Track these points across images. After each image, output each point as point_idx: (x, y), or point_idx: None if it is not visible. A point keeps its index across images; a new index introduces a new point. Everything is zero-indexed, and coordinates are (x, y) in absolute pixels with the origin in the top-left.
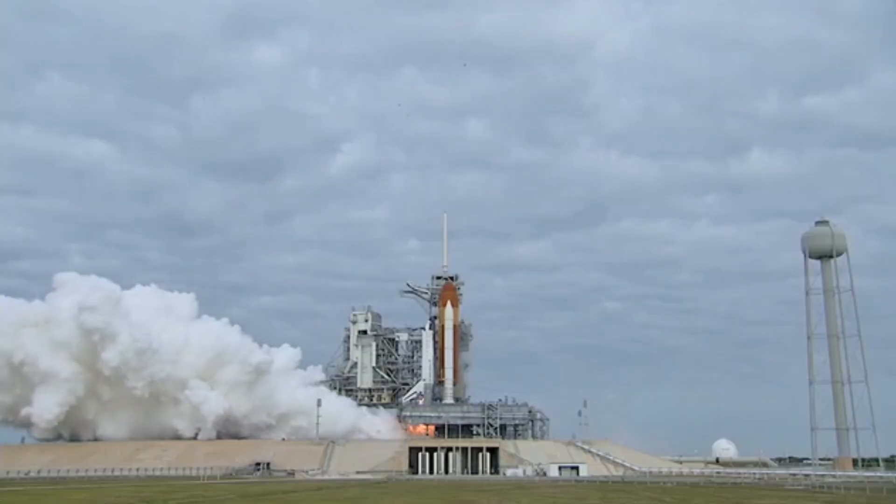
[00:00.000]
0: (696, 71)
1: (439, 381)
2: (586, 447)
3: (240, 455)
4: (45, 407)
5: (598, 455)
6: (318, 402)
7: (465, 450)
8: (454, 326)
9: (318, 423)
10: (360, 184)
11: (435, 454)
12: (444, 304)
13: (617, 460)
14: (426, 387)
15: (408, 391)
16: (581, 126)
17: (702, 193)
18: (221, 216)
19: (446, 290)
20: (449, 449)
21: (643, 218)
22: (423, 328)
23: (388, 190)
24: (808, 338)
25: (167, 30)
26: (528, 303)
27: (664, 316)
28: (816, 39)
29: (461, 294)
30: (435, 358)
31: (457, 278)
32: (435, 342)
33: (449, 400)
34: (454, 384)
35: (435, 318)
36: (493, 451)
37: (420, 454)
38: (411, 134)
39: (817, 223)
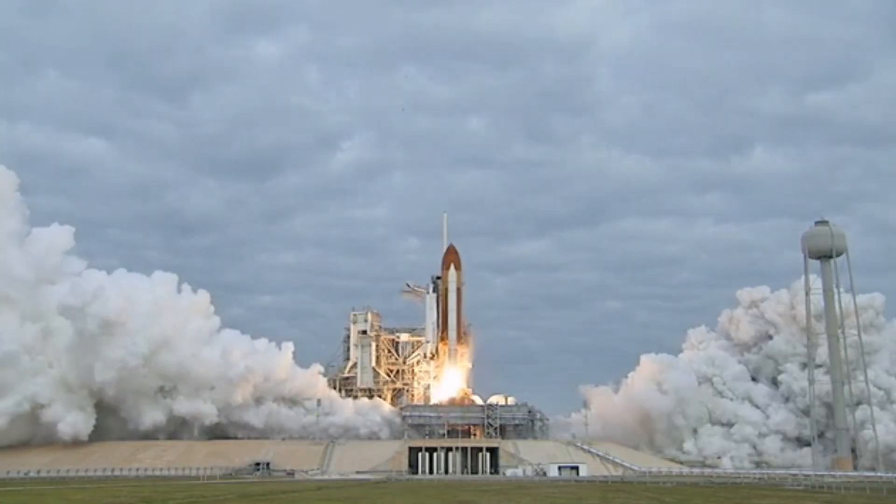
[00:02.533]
0: (698, 67)
1: (442, 339)
2: (586, 447)
3: (239, 455)
4: (70, 420)
5: (598, 455)
6: (318, 402)
7: (464, 450)
8: (457, 289)
9: (318, 422)
10: (360, 182)
11: (435, 454)
12: (448, 268)
13: (616, 460)
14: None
15: (413, 354)
16: (582, 123)
17: (704, 192)
18: (221, 214)
19: (449, 253)
20: (449, 449)
21: (644, 216)
22: (424, 328)
23: (388, 188)
24: (808, 338)
25: (165, 25)
26: (528, 302)
27: (665, 315)
28: (820, 35)
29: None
30: (438, 320)
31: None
32: (438, 305)
33: (451, 362)
34: (458, 343)
35: (438, 278)
36: (493, 451)
37: (420, 454)
38: (411, 131)
39: (817, 223)
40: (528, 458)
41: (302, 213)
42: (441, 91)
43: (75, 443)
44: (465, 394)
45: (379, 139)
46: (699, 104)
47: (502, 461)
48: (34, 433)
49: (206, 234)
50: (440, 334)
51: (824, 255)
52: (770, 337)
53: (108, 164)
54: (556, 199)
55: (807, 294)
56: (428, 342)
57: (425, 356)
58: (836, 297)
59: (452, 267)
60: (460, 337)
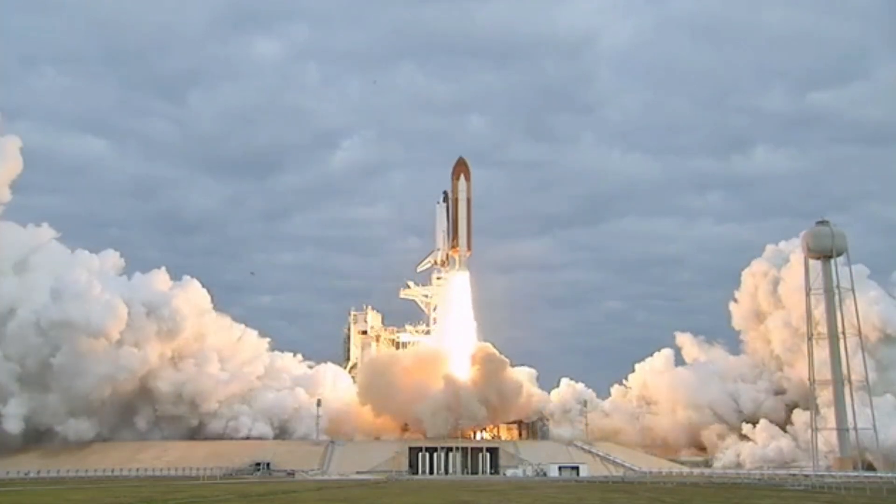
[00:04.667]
0: (699, 66)
1: (453, 247)
2: (586, 447)
3: (239, 455)
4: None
5: (599, 455)
6: (318, 403)
7: (464, 450)
8: (467, 199)
9: (318, 424)
10: (360, 181)
11: (435, 454)
12: (458, 178)
13: (617, 460)
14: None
15: (423, 261)
16: (583, 122)
17: (705, 191)
18: (220, 214)
19: (458, 164)
20: (449, 449)
21: (645, 216)
22: (426, 329)
23: (388, 187)
24: (809, 338)
25: (164, 23)
26: (529, 302)
27: (666, 315)
28: (822, 34)
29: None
30: (449, 228)
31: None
32: (448, 214)
33: (462, 268)
34: (467, 250)
35: (447, 192)
36: (493, 452)
37: (420, 454)
38: (411, 130)
39: (818, 223)
40: (528, 458)
41: (301, 213)
42: (441, 89)
43: (75, 444)
44: (485, 351)
45: (379, 138)
46: (700, 103)
47: (502, 461)
48: (36, 436)
49: (205, 233)
50: (451, 242)
51: (825, 255)
52: None
53: (107, 163)
54: (556, 199)
55: (807, 294)
56: (438, 250)
57: (436, 263)
58: (836, 296)
59: (462, 177)
60: (470, 245)
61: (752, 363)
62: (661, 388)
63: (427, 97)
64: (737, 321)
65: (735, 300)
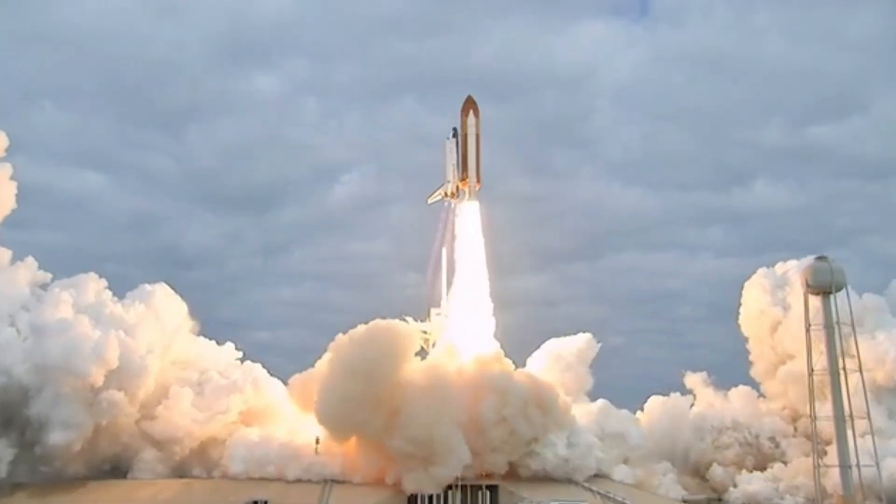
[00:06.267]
0: (698, 99)
1: (462, 179)
2: (587, 485)
3: (236, 494)
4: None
5: (599, 493)
6: (317, 440)
7: (464, 488)
8: (476, 134)
9: (316, 450)
10: (360, 215)
11: (434, 493)
12: (467, 115)
13: (618, 498)
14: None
15: (434, 192)
16: (582, 156)
17: (705, 225)
18: (218, 249)
19: (467, 102)
20: (449, 487)
21: (645, 250)
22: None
23: (387, 222)
24: (809, 374)
25: (162, 57)
26: (528, 338)
27: (667, 351)
28: (821, 67)
29: None
30: (458, 163)
31: None
32: (458, 149)
33: (472, 198)
34: (477, 182)
35: (456, 128)
36: (493, 490)
37: (419, 493)
38: (411, 164)
39: (817, 259)
40: (528, 496)
41: (300, 248)
42: (441, 123)
43: (69, 482)
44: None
45: (378, 172)
46: (700, 136)
47: (502, 500)
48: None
49: (203, 268)
50: (461, 175)
51: (824, 291)
52: None
53: (105, 198)
54: (555, 233)
55: (807, 330)
56: (448, 182)
57: (446, 195)
58: (836, 332)
59: (471, 114)
60: (479, 177)
61: (783, 409)
62: (678, 435)
63: (427, 131)
64: (756, 372)
65: (749, 350)
